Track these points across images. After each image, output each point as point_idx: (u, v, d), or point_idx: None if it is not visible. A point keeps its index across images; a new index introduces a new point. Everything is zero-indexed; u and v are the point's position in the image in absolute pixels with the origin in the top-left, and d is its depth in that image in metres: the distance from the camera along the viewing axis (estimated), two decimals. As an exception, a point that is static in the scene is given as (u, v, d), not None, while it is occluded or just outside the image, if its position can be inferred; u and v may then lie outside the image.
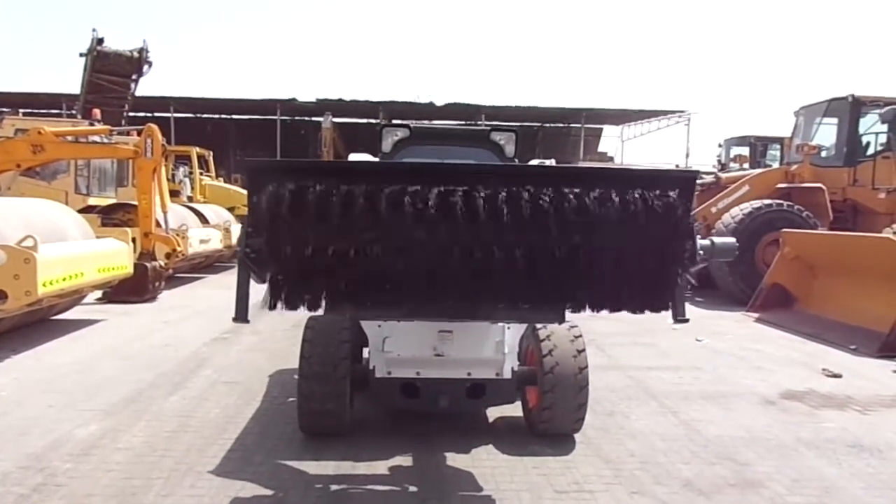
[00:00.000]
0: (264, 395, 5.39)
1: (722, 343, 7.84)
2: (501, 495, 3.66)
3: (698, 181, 5.55)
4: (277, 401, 5.23)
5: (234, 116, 42.13)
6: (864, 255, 8.27)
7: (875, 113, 11.36)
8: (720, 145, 21.07)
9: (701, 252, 3.11)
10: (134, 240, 9.87)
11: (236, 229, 13.05)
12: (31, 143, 9.96)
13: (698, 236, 3.11)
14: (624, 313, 3.21)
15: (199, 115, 40.17)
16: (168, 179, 13.15)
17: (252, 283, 3.10)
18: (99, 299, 9.55)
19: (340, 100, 35.37)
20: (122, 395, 5.28)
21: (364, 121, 38.95)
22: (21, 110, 17.65)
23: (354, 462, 4.03)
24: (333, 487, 3.72)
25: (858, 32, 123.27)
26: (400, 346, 4.12)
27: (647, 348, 7.40)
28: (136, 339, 7.37)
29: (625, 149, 42.71)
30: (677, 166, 28.08)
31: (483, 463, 4.07)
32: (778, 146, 18.13)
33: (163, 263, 10.35)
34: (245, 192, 3.47)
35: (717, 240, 3.31)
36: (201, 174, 19.79)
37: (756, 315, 9.49)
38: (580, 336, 4.41)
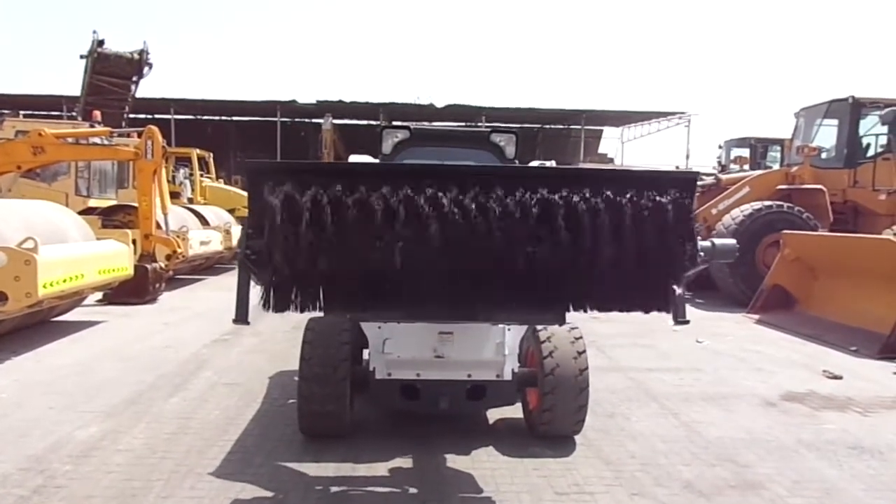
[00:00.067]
0: (264, 396, 5.39)
1: (722, 344, 7.84)
2: (502, 497, 3.66)
3: (699, 182, 5.54)
4: (277, 402, 5.23)
5: (235, 118, 42.16)
6: (865, 257, 8.27)
7: (875, 114, 11.35)
8: (720, 147, 21.09)
9: (701, 253, 3.10)
10: (134, 241, 9.89)
11: (236, 231, 13.07)
12: (31, 144, 9.97)
13: (699, 238, 3.11)
14: (624, 315, 3.21)
15: (199, 117, 40.20)
16: (168, 181, 13.14)
17: (252, 284, 3.10)
18: (99, 301, 9.55)
19: (341, 101, 35.38)
20: (123, 396, 5.28)
21: (364, 122, 38.95)
22: (21, 112, 17.70)
23: (354, 464, 4.03)
24: (333, 489, 3.71)
25: (858, 34, 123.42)
26: (400, 348, 4.12)
27: (648, 350, 7.40)
28: (137, 341, 7.37)
29: (625, 150, 42.82)
30: (677, 168, 28.07)
31: (483, 464, 4.07)
32: (778, 148, 18.14)
33: (163, 265, 10.37)
34: (245, 193, 3.47)
35: (717, 241, 3.30)
36: (202, 176, 19.82)
37: (756, 316, 9.48)
38: (581, 338, 4.41)
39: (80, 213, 10.08)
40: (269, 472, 3.88)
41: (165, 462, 3.99)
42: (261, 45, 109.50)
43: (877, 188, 11.28)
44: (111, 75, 20.38)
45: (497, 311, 3.37)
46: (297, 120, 40.20)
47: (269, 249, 2.84)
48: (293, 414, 4.36)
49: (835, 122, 12.22)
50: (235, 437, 4.44)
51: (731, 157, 19.95)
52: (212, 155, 21.50)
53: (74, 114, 19.65)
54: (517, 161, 5.32)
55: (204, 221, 13.69)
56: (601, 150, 44.17)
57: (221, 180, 22.99)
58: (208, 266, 14.29)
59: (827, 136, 12.40)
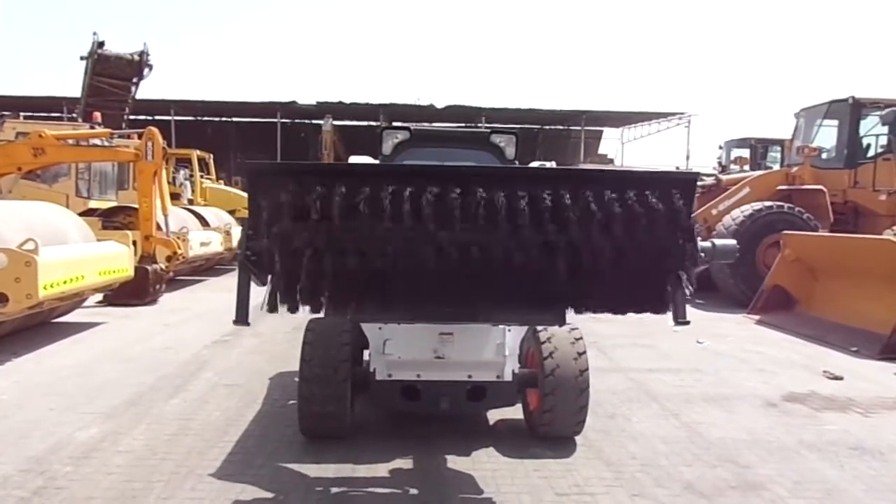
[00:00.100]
0: (265, 397, 5.39)
1: (723, 345, 7.84)
2: (502, 498, 3.66)
3: (699, 183, 5.54)
4: (278, 403, 5.23)
5: (235, 119, 42.17)
6: (865, 257, 8.27)
7: (875, 115, 11.35)
8: (721, 147, 21.06)
9: (702, 254, 3.10)
10: (135, 243, 9.90)
11: (237, 232, 13.07)
12: (31, 146, 9.97)
13: (699, 238, 3.11)
14: (624, 315, 3.20)
15: (199, 119, 40.21)
16: (169, 182, 13.14)
17: (253, 285, 3.10)
18: (100, 302, 9.55)
19: (341, 102, 35.39)
20: (123, 397, 5.28)
21: (364, 123, 38.93)
22: (22, 113, 17.69)
23: (355, 465, 4.02)
24: (334, 490, 3.71)
25: (859, 34, 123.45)
26: (400, 349, 4.12)
27: (648, 350, 7.40)
28: (137, 342, 7.37)
29: (625, 151, 42.78)
30: (678, 168, 28.05)
31: (484, 465, 4.07)
32: (778, 148, 18.12)
33: (163, 266, 10.37)
34: (245, 194, 3.47)
35: (717, 242, 3.30)
36: (202, 177, 19.83)
37: (757, 317, 9.48)
38: (581, 338, 4.40)
39: (81, 214, 10.08)
40: (270, 474, 3.88)
41: (166, 463, 3.99)
42: (261, 46, 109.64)
43: (877, 188, 11.28)
44: (111, 77, 20.42)
45: (497, 312, 3.37)
46: (297, 121, 40.20)
47: (270, 251, 2.84)
48: (293, 415, 4.36)
49: (835, 122, 12.22)
50: (236, 439, 4.44)
51: (732, 158, 19.93)
52: (212, 156, 21.52)
53: (75, 115, 19.67)
54: (517, 162, 5.32)
55: (204, 222, 13.70)
56: (601, 150, 44.15)
57: (222, 181, 23.01)
58: (208, 267, 14.30)
59: (827, 136, 12.40)
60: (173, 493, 3.60)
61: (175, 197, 15.43)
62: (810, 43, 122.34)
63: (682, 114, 38.59)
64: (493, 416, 4.88)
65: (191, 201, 17.72)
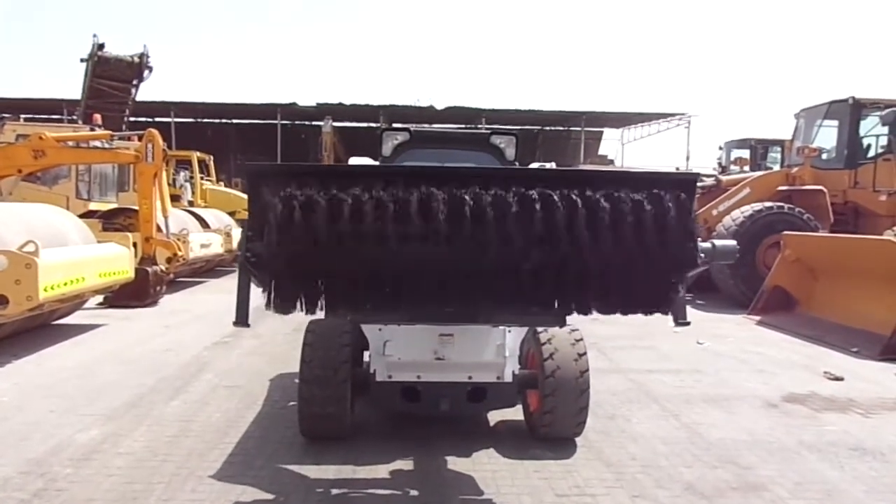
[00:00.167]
0: (265, 399, 5.39)
1: (723, 346, 7.83)
2: (502, 499, 3.66)
3: (699, 184, 5.53)
4: (278, 405, 5.23)
5: (235, 121, 42.18)
6: (866, 258, 8.26)
7: (875, 115, 11.36)
8: (721, 148, 21.05)
9: (702, 255, 3.09)
10: (135, 244, 9.91)
11: (237, 233, 13.08)
12: (32, 148, 9.97)
13: (699, 239, 3.11)
14: (624, 316, 3.20)
15: (199, 120, 40.23)
16: (169, 184, 13.14)
17: (253, 287, 3.10)
18: (100, 304, 9.55)
19: (341, 104, 35.41)
20: (123, 399, 5.28)
21: (364, 125, 38.95)
22: (22, 115, 17.72)
23: (355, 466, 4.02)
24: (334, 491, 3.71)
25: (859, 35, 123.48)
26: (400, 350, 4.12)
27: (649, 351, 7.40)
28: (137, 344, 7.37)
29: (625, 152, 42.76)
30: (678, 169, 28.06)
31: (484, 467, 4.07)
32: (778, 149, 18.12)
33: (164, 268, 10.38)
34: (245, 196, 3.47)
35: (717, 242, 3.30)
36: (202, 179, 19.83)
37: (757, 318, 9.48)
38: (581, 339, 4.40)
39: (81, 216, 10.08)
40: (270, 475, 3.88)
41: (166, 465, 3.99)
42: (261, 47, 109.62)
43: (877, 189, 11.28)
44: (111, 79, 20.46)
45: (497, 313, 3.37)
46: (297, 122, 40.21)
47: (270, 252, 2.84)
48: (294, 416, 4.36)
49: (835, 122, 12.22)
50: (236, 440, 4.44)
51: (732, 159, 19.92)
52: (212, 158, 21.53)
53: (75, 117, 19.70)
54: (517, 163, 5.32)
55: (204, 224, 13.71)
56: (601, 151, 44.15)
57: (222, 183, 23.02)
58: (209, 269, 14.30)
59: (827, 137, 12.40)
60: (174, 495, 3.60)
61: (175, 199, 15.43)
62: (810, 44, 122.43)
63: (682, 114, 38.59)
64: (494, 417, 4.88)
65: (191, 203, 17.73)
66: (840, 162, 11.89)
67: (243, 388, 5.68)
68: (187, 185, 18.87)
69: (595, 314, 3.16)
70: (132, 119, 22.16)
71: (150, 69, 20.69)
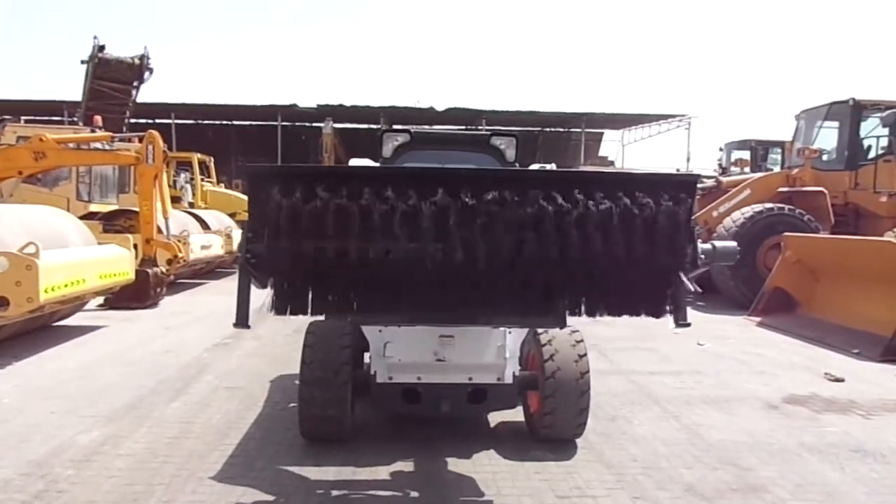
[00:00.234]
0: (265, 400, 5.39)
1: (724, 347, 7.83)
2: (503, 500, 3.66)
3: (699, 185, 5.54)
4: (279, 406, 5.23)
5: (235, 122, 42.23)
6: (866, 259, 8.26)
7: (876, 116, 11.37)
8: (721, 149, 21.04)
9: (702, 256, 3.10)
10: (135, 246, 9.90)
11: (237, 235, 13.06)
12: (32, 149, 9.98)
13: (699, 240, 3.11)
14: (625, 318, 3.21)
15: (200, 122, 40.28)
16: (169, 185, 13.15)
17: (253, 288, 3.10)
18: (100, 305, 9.55)
19: (341, 105, 35.45)
20: (124, 401, 5.28)
21: (365, 126, 39.00)
22: (23, 117, 17.70)
23: (356, 467, 4.02)
24: (335, 493, 3.71)
25: (859, 36, 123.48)
26: (401, 351, 4.12)
27: (649, 353, 7.39)
28: (138, 346, 7.37)
29: (625, 153, 42.80)
30: (678, 170, 28.06)
31: (484, 468, 4.07)
32: (779, 150, 18.14)
33: (164, 269, 10.38)
34: (246, 197, 3.47)
35: (718, 244, 3.30)
36: (202, 180, 19.86)
37: (758, 319, 9.47)
38: (581, 341, 4.40)
39: (82, 217, 10.08)
40: (271, 476, 3.88)
41: (167, 466, 3.99)
42: (261, 48, 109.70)
43: (878, 190, 11.28)
44: (112, 80, 20.47)
45: (498, 314, 3.37)
46: (297, 124, 40.25)
47: (270, 253, 2.84)
48: (294, 418, 4.36)
49: (835, 124, 12.23)
50: (237, 441, 4.43)
51: (732, 160, 19.90)
52: (213, 159, 21.55)
53: (75, 119, 19.68)
54: (517, 164, 5.32)
55: (205, 225, 13.72)
56: (602, 152, 44.20)
57: (222, 184, 23.04)
58: (209, 270, 14.31)
59: (828, 138, 12.40)
60: (174, 497, 3.59)
61: (176, 200, 15.44)
62: (810, 44, 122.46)
63: (682, 116, 38.63)
64: (494, 418, 4.88)
65: (191, 204, 17.74)
66: (840, 163, 11.89)
67: (244, 389, 5.67)
68: (188, 186, 18.89)
69: (595, 315, 3.17)
70: (133, 120, 22.17)
71: (151, 71, 20.71)
